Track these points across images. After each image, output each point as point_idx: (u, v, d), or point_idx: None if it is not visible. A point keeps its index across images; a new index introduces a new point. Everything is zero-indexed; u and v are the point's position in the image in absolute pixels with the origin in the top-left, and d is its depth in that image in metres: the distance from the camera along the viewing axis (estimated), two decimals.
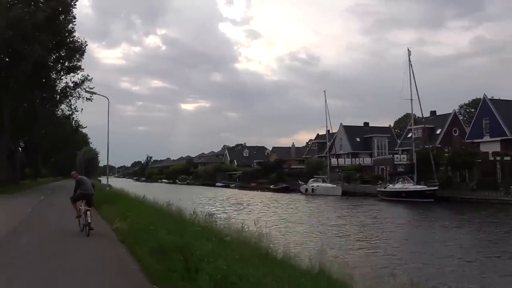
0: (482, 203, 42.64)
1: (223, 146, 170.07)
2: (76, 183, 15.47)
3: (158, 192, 46.03)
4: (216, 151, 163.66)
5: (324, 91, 76.45)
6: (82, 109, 59.82)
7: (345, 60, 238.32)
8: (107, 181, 34.87)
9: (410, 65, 52.44)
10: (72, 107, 58.94)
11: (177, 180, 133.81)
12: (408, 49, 53.31)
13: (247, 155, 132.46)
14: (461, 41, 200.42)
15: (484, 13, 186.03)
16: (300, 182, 73.51)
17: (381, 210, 42.18)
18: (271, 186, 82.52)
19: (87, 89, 30.93)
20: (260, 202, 53.66)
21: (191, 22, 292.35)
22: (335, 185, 64.75)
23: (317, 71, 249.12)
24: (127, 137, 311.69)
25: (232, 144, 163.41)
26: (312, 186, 67.83)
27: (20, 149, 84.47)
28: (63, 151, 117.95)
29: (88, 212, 14.15)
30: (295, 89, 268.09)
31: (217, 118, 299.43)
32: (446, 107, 75.56)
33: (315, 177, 71.62)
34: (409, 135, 72.37)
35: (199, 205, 43.96)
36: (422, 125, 61.01)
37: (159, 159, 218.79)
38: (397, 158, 67.62)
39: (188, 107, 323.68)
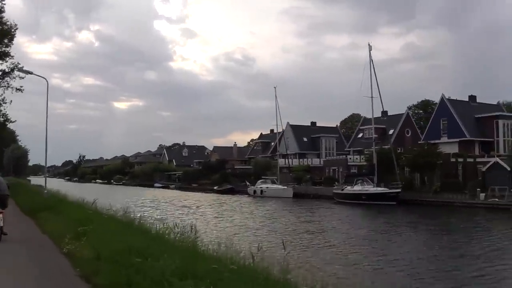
0: (446, 206, 41.29)
1: (159, 145, 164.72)
2: None
3: (96, 194, 41.06)
4: (152, 150, 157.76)
5: (275, 87, 71.46)
6: (11, 101, 53.99)
7: (280, 62, 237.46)
8: (45, 183, 29.29)
9: (371, 60, 50.14)
10: (0, 98, 53.28)
11: (112, 180, 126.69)
12: (369, 44, 50.89)
13: (187, 154, 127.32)
14: (393, 46, 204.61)
15: (415, 21, 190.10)
16: (247, 183, 69.94)
17: (344, 214, 39.57)
18: (215, 187, 78.39)
19: (21, 71, 25.96)
20: (209, 205, 49.73)
21: (125, 19, 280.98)
22: (285, 187, 61.43)
23: (252, 72, 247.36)
24: (58, 136, 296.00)
25: (167, 144, 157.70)
26: (261, 187, 64.29)
27: None
28: None
29: (1, 215, 12.80)
30: (230, 90, 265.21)
31: (151, 117, 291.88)
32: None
33: (263, 178, 68.05)
34: (360, 135, 70.67)
35: (144, 208, 39.95)
36: (375, 125, 58.80)
37: (91, 159, 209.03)
38: (350, 158, 65.14)
39: (121, 105, 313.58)
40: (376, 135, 57.56)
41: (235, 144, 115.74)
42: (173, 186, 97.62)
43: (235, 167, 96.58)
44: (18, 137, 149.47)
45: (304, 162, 75.17)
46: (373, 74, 49.95)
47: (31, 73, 26.31)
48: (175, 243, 10.14)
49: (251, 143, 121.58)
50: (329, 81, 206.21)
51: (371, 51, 50.59)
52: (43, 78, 27.52)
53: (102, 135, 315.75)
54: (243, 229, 28.77)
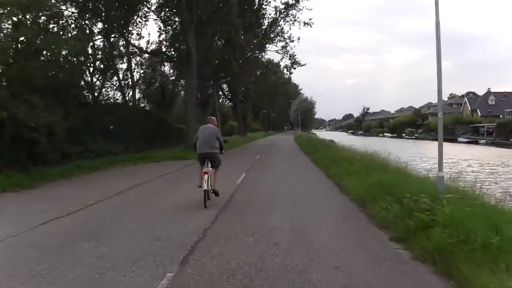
0: None
1: (450, 94, 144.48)
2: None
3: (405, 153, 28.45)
4: (433, 102, 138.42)
5: None
6: (299, 38, 45.75)
7: None
8: (439, 157, 10.76)
9: None
10: (286, 35, 44.88)
11: (403, 134, 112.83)
12: None
13: (493, 103, 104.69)
14: None
15: None
16: None
17: None
18: None
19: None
20: None
21: None
22: None
23: None
24: (336, 90, 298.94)
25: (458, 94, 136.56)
26: None
27: (229, 102, 73.40)
28: (274, 102, 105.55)
29: (206, 176, 10.65)
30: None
31: (428, 67, 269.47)
32: None
33: None
34: None
35: None
36: None
37: (371, 111, 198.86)
38: None
39: (396, 57, 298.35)
40: None
41: None
42: (484, 141, 79.56)
43: None
44: (301, 90, 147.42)
45: None
46: None
47: None
48: None
49: None
50: None
51: None
52: None
53: (379, 88, 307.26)
54: None
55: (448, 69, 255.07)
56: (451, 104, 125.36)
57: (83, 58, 28.35)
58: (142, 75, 47.90)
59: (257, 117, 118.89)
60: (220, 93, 69.91)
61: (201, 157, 11.19)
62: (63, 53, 23.93)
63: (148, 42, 37.88)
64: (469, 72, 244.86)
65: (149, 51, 39.10)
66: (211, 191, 11.09)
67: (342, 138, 55.66)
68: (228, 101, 77.77)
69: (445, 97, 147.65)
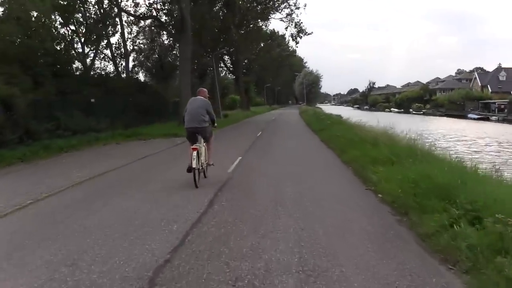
0: None
1: (458, 70, 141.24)
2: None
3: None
4: (441, 77, 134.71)
5: None
6: (305, 5, 43.25)
7: None
8: None
9: None
10: (291, 2, 42.09)
11: (410, 109, 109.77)
12: None
13: (504, 79, 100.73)
14: None
15: None
16: None
17: None
18: None
19: None
20: None
21: None
22: None
23: None
24: (338, 65, 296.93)
25: (447, 72, 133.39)
26: None
27: (232, 75, 70.22)
28: (278, 75, 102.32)
29: (194, 152, 9.45)
30: None
31: (433, 43, 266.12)
32: None
33: None
34: None
35: None
36: None
37: (377, 86, 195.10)
38: None
39: (402, 32, 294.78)
40: None
41: None
42: (495, 118, 76.73)
43: None
44: (306, 64, 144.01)
45: None
46: None
47: None
48: None
49: None
50: None
51: None
52: None
53: (385, 63, 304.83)
54: None
55: (455, 45, 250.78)
56: (460, 80, 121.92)
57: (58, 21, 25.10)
58: (136, 44, 44.83)
59: (261, 91, 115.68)
60: (222, 65, 66.91)
61: (189, 132, 10.18)
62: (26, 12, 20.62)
63: (137, 5, 34.46)
64: (477, 48, 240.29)
65: (137, 14, 35.78)
66: (202, 168, 10.42)
67: (349, 113, 52.58)
68: (230, 74, 74.53)
69: (452, 72, 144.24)
